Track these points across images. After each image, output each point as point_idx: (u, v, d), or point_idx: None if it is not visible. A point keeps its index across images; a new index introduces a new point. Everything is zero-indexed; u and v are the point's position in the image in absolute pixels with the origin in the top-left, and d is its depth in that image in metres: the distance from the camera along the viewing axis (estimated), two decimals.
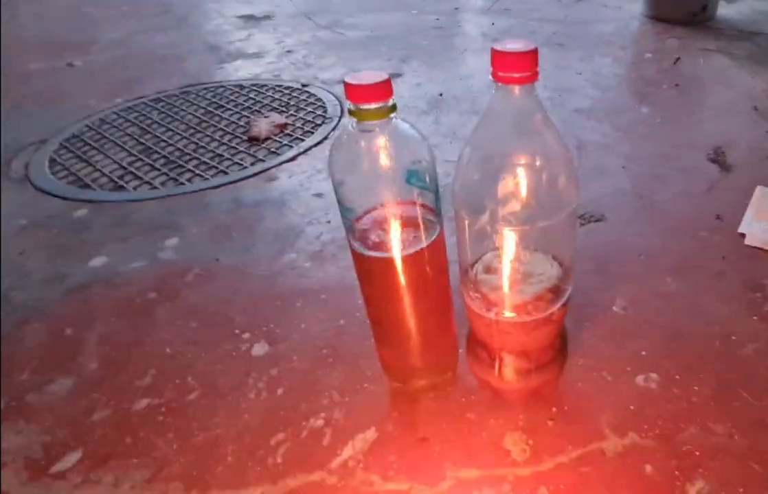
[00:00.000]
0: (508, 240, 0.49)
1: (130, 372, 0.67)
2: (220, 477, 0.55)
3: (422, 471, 0.54)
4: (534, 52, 0.41)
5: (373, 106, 0.45)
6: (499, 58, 0.42)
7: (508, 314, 0.52)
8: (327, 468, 0.55)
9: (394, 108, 0.46)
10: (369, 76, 0.45)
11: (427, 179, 0.49)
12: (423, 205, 0.51)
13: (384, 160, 0.48)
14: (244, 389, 0.64)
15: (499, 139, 0.46)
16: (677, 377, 0.62)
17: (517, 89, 0.43)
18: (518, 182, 0.46)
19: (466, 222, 0.49)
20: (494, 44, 0.42)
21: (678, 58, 1.50)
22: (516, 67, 0.42)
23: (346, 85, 0.45)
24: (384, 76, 0.45)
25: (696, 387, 0.61)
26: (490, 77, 0.44)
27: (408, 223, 0.51)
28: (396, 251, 0.51)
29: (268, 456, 0.56)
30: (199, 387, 0.64)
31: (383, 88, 0.45)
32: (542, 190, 0.47)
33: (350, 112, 0.46)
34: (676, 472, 0.53)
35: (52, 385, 0.65)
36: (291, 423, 0.60)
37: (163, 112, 1.33)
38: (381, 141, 0.47)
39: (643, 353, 0.65)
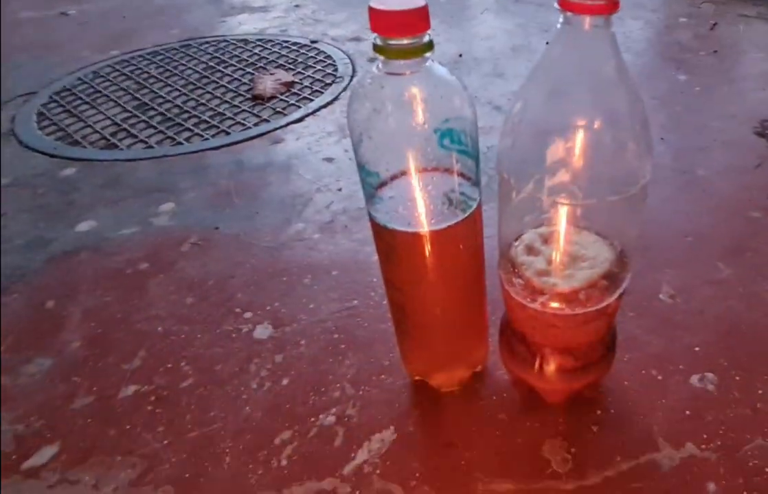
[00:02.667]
0: (564, 215, 0.41)
1: (117, 353, 0.59)
2: (216, 480, 0.48)
3: (449, 481, 0.47)
4: None
5: (405, 41, 0.36)
6: None
7: (556, 304, 0.44)
8: (339, 474, 0.48)
9: (430, 45, 0.37)
10: (400, 1, 0.36)
11: (467, 139, 0.41)
12: (460, 172, 0.42)
13: (416, 114, 0.39)
14: (244, 377, 0.56)
15: (562, 89, 0.37)
16: (737, 378, 0.55)
17: (589, 22, 0.34)
18: (582, 145, 0.37)
19: (514, 192, 0.41)
20: None
21: (715, 24, 1.39)
22: None
23: (372, 10, 0.36)
24: (420, 2, 0.36)
25: (760, 391, 0.53)
26: (556, 5, 0.35)
27: (441, 193, 0.43)
28: (425, 225, 0.43)
29: (272, 458, 0.49)
30: (194, 373, 0.57)
31: (418, 18, 0.36)
32: (612, 156, 0.38)
33: (375, 48, 0.37)
34: (745, 492, 0.46)
35: (28, 366, 0.58)
36: (298, 419, 0.52)
37: (161, 67, 1.24)
38: (413, 88, 0.39)
39: (697, 349, 0.58)
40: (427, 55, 0.38)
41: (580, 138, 0.38)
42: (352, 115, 0.41)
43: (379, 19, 0.36)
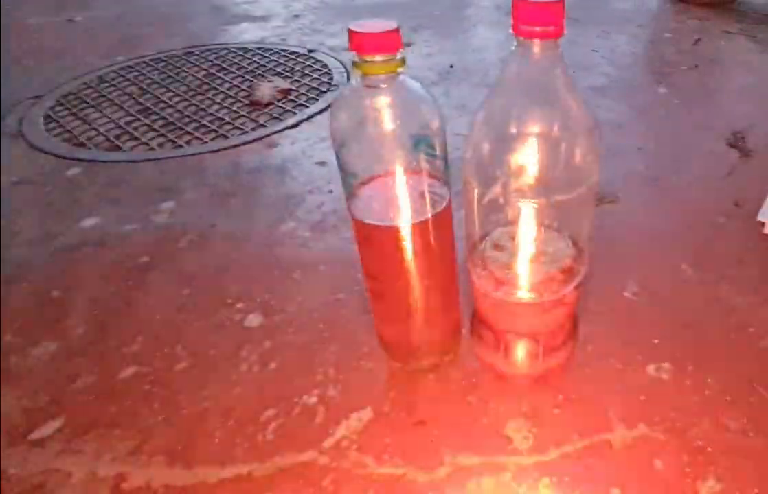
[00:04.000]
0: (521, 214, 0.46)
1: (117, 338, 0.64)
2: (206, 452, 0.52)
3: (419, 455, 0.51)
4: (560, 4, 0.37)
5: (378, 58, 0.41)
6: (520, 8, 0.38)
7: (518, 294, 0.49)
8: (319, 447, 0.52)
9: (402, 62, 0.42)
10: (376, 24, 0.41)
11: (436, 146, 0.46)
12: (430, 173, 0.47)
13: (390, 122, 0.44)
14: (235, 361, 0.61)
15: (516, 103, 0.42)
16: (690, 368, 0.59)
17: (538, 45, 0.39)
18: (535, 151, 0.42)
19: (476, 192, 0.46)
20: None
21: (698, 39, 1.44)
22: (539, 19, 0.38)
23: (351, 32, 0.41)
24: (393, 25, 0.41)
25: (710, 380, 0.58)
26: (510, 31, 0.40)
27: (413, 191, 0.47)
28: (399, 220, 0.48)
29: (257, 433, 0.54)
30: (188, 357, 0.61)
31: (391, 38, 0.41)
32: (561, 160, 0.43)
33: (354, 65, 0.42)
34: (687, 469, 0.50)
35: (35, 349, 0.63)
36: (283, 399, 0.57)
37: (163, 73, 1.29)
38: (387, 99, 0.43)
39: (655, 341, 0.62)
40: (400, 70, 0.43)
41: (533, 144, 0.43)
42: (333, 123, 0.46)
43: (357, 40, 0.41)
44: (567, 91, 0.42)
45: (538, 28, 0.38)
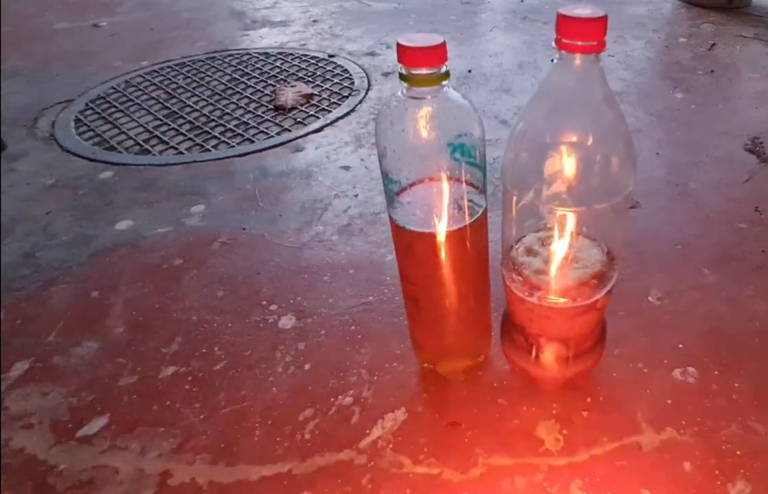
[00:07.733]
0: (559, 221, 0.47)
1: (156, 338, 0.66)
2: (247, 450, 0.54)
3: (453, 455, 0.53)
4: (603, 20, 0.39)
5: (425, 71, 0.43)
6: (564, 24, 0.40)
7: (551, 299, 0.51)
8: (356, 447, 0.54)
9: (447, 75, 0.44)
10: (423, 38, 0.43)
11: (476, 154, 0.47)
12: (469, 182, 0.49)
13: (432, 132, 0.46)
14: (271, 362, 0.63)
15: (558, 113, 0.44)
16: (716, 372, 0.60)
17: (580, 59, 0.41)
18: (574, 160, 0.44)
19: (515, 199, 0.47)
20: (560, 9, 0.40)
21: (713, 44, 1.45)
22: (582, 34, 0.39)
23: (399, 46, 0.43)
24: (439, 40, 0.43)
25: (736, 384, 0.59)
26: (553, 44, 0.41)
27: (452, 200, 0.49)
28: (438, 227, 0.50)
29: (296, 432, 0.55)
30: (225, 357, 0.63)
31: (436, 52, 0.43)
32: (599, 170, 0.44)
33: (401, 77, 0.44)
34: (716, 471, 0.51)
35: (78, 348, 0.65)
36: (319, 399, 0.59)
37: (188, 77, 1.31)
38: (430, 110, 0.45)
39: (680, 346, 0.64)
40: (444, 82, 0.45)
41: (572, 154, 0.44)
42: (379, 131, 0.48)
43: (405, 53, 0.43)
44: (606, 103, 0.43)
45: (580, 43, 0.40)
